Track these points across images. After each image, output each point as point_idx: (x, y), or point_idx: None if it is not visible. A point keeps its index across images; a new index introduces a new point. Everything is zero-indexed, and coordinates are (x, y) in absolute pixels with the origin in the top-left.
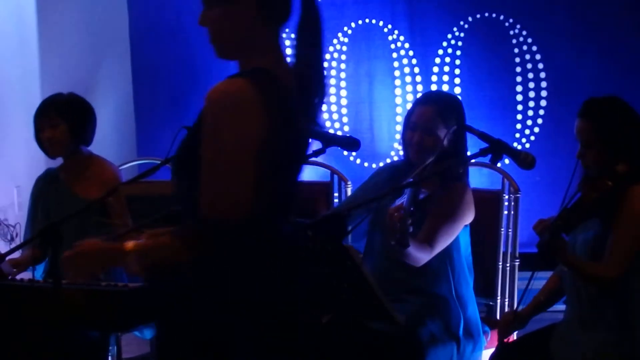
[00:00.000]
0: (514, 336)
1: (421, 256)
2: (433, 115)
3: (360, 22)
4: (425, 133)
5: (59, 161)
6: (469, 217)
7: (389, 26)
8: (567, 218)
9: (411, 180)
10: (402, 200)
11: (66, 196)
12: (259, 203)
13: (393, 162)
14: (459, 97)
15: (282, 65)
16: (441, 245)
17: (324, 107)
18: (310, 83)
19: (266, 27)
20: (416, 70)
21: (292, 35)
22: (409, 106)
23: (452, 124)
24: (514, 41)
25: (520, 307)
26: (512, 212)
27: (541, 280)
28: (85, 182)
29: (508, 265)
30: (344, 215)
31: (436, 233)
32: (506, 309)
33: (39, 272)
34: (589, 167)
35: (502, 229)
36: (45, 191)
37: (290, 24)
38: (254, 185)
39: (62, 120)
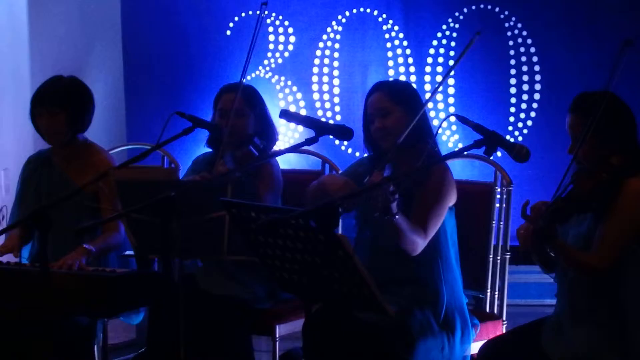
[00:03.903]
0: (503, 329)
1: (416, 239)
2: (383, 98)
3: (354, 11)
4: (382, 116)
5: (47, 144)
6: (452, 197)
7: (384, 16)
8: (563, 206)
9: (388, 167)
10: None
11: (60, 181)
12: None
13: (364, 157)
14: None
15: None
16: (433, 229)
17: (317, 96)
18: None
19: None
20: (410, 60)
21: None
22: None
23: (404, 102)
24: (509, 33)
25: (508, 300)
26: (504, 205)
27: (529, 274)
28: (80, 169)
29: (499, 258)
30: (337, 204)
31: (426, 218)
32: (496, 302)
33: (25, 254)
34: (581, 162)
35: (494, 222)
36: (37, 173)
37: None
38: None
39: (61, 110)
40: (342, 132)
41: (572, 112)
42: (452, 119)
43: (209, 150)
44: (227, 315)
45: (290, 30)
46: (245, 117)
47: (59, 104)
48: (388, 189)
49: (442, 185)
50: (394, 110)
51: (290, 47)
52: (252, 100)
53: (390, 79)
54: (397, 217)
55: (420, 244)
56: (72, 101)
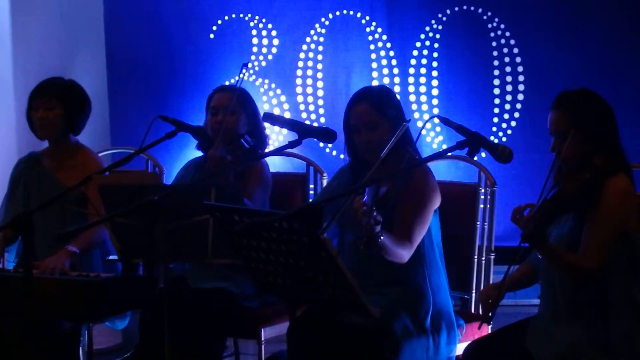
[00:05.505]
0: (488, 329)
1: (402, 252)
2: (370, 110)
3: (337, 13)
4: (369, 129)
5: (31, 149)
6: (436, 201)
7: (367, 18)
8: (549, 209)
9: (370, 177)
10: (364, 198)
11: (49, 182)
12: None
13: (344, 166)
14: (388, 87)
15: None
16: (419, 236)
17: (301, 99)
18: None
19: None
20: (394, 62)
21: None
22: None
23: (389, 113)
24: (492, 34)
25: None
26: (489, 206)
27: None
28: (69, 171)
29: (484, 258)
30: (320, 207)
31: (411, 226)
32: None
33: (11, 257)
34: (564, 160)
35: (478, 223)
36: (26, 174)
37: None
38: None
39: (58, 104)
40: (326, 134)
41: (555, 109)
42: (436, 120)
43: (199, 155)
44: (213, 305)
45: (274, 33)
46: (236, 115)
47: (56, 97)
48: (371, 218)
49: (424, 191)
50: (381, 123)
51: (274, 50)
52: (244, 101)
53: (374, 82)
54: (381, 238)
55: (406, 255)
56: (70, 98)
